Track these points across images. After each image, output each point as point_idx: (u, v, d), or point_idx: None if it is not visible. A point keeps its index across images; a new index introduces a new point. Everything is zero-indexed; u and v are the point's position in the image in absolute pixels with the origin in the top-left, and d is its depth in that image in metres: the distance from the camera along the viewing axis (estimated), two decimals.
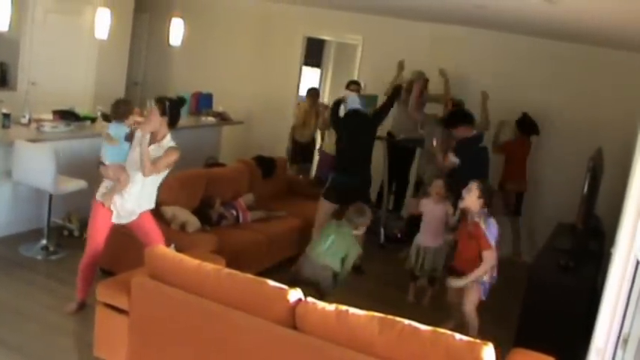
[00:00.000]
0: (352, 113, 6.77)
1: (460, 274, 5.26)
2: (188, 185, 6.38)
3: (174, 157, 5.01)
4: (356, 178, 6.74)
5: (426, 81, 8.13)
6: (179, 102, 5.46)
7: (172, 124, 5.09)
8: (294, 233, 6.84)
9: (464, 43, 8.60)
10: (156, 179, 5.11)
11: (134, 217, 5.14)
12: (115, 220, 5.13)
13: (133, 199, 5.07)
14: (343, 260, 5.39)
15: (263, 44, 10.11)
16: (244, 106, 9.83)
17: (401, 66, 8.13)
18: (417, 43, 8.86)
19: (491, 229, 5.14)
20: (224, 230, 6.25)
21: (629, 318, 3.63)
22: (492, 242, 5.11)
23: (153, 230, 5.23)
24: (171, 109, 5.05)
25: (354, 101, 6.79)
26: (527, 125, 7.78)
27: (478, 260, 5.13)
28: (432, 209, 6.21)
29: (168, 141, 5.05)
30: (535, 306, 5.36)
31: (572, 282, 5.30)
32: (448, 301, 5.63)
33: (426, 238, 6.25)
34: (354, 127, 6.78)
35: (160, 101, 5.04)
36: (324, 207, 6.75)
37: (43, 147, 6.16)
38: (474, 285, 5.20)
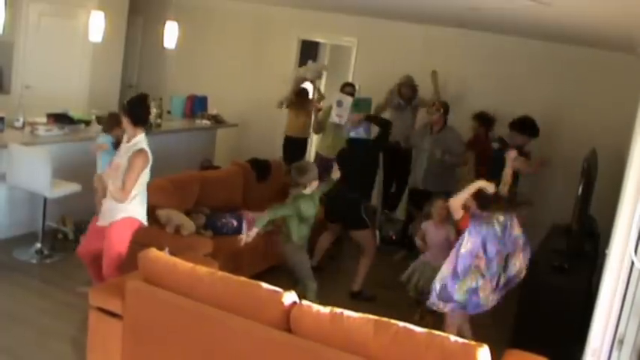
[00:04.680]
0: (360, 141, 6.54)
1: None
2: (182, 188, 6.37)
3: (139, 164, 4.82)
4: (348, 199, 6.48)
5: (413, 86, 8.16)
6: (139, 98, 5.21)
7: (136, 122, 4.92)
8: None
9: (458, 44, 8.61)
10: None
11: (108, 220, 4.95)
12: (99, 221, 5.05)
13: (112, 204, 4.94)
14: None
15: (258, 47, 10.11)
16: (239, 108, 9.83)
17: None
18: (411, 45, 8.87)
19: (472, 230, 4.80)
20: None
21: (625, 318, 3.63)
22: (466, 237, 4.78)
23: (106, 251, 4.93)
24: (131, 108, 4.96)
25: (362, 132, 6.52)
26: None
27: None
28: (432, 233, 5.89)
29: (136, 142, 4.91)
30: (531, 307, 5.37)
31: (567, 283, 5.30)
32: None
33: (429, 255, 5.91)
34: (358, 158, 6.55)
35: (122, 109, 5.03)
36: (331, 225, 6.90)
37: (37, 150, 6.14)
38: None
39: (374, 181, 6.94)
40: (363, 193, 6.62)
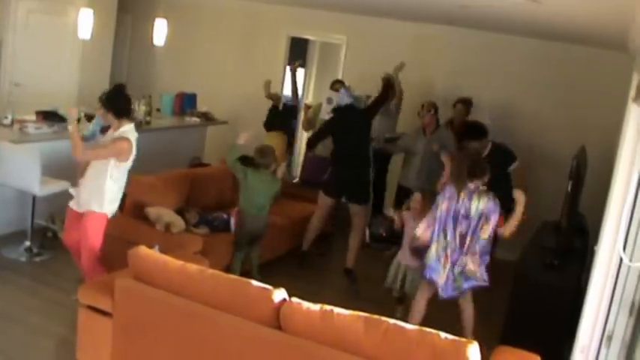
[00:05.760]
0: (344, 108, 6.73)
1: None
2: (172, 186, 6.35)
3: (117, 145, 4.89)
4: (353, 171, 6.73)
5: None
6: (116, 90, 5.18)
7: (120, 115, 4.98)
8: (279, 233, 6.82)
9: (447, 42, 8.62)
10: (104, 174, 4.98)
11: (85, 208, 5.04)
12: (73, 204, 5.15)
13: (87, 190, 5.02)
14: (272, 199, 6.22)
15: (247, 44, 10.09)
16: (228, 106, 9.81)
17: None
18: (400, 43, 8.87)
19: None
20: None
21: (613, 315, 3.66)
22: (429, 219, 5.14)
23: (85, 237, 5.03)
24: (111, 102, 4.97)
25: (344, 97, 6.71)
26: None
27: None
28: (410, 225, 5.74)
29: (123, 131, 4.96)
30: (520, 304, 5.38)
31: (556, 280, 5.32)
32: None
33: (406, 254, 5.82)
34: (347, 123, 6.76)
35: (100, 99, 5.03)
36: (324, 201, 6.90)
37: (26, 148, 6.12)
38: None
39: (370, 153, 7.00)
40: (366, 170, 6.85)
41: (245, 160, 7.43)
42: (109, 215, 5.10)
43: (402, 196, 7.61)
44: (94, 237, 5.02)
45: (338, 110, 6.79)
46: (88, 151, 4.96)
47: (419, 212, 5.70)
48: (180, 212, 6.11)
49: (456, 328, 3.91)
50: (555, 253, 5.60)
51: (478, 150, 6.39)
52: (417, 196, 5.85)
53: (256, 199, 6.07)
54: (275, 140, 8.30)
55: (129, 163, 5.05)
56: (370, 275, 6.88)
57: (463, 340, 3.21)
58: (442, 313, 5.31)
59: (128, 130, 4.98)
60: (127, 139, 4.93)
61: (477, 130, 6.66)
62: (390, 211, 6.15)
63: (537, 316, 5.18)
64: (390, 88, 7.30)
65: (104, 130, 5.43)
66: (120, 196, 5.18)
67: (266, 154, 6.11)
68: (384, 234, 8.13)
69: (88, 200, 5.01)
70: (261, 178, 6.05)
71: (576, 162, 5.58)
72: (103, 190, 4.97)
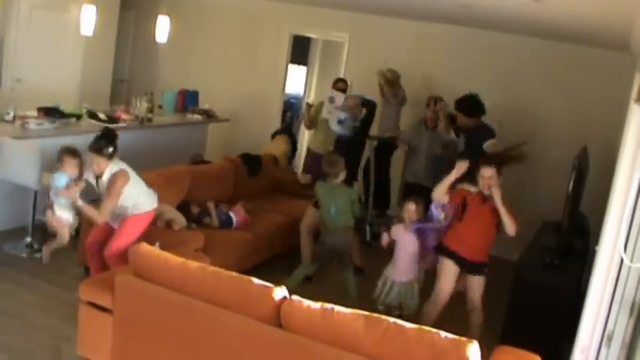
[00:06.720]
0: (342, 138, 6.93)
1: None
2: (173, 182, 6.34)
3: (118, 185, 4.93)
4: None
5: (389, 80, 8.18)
6: (110, 136, 5.12)
7: (110, 156, 4.97)
8: (280, 231, 6.82)
9: (450, 41, 8.62)
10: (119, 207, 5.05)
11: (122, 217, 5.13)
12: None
13: (118, 219, 5.12)
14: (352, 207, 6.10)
15: (249, 42, 10.09)
16: (230, 103, 9.81)
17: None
18: (402, 41, 8.87)
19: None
20: (211, 228, 6.23)
21: (614, 315, 3.65)
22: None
23: (116, 236, 5.11)
24: (106, 148, 4.93)
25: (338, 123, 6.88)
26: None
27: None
28: (402, 238, 5.52)
29: (111, 172, 4.98)
30: (521, 304, 5.37)
31: (557, 280, 5.31)
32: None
33: (395, 269, 5.55)
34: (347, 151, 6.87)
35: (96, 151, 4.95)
36: (313, 214, 6.72)
37: (27, 144, 6.12)
38: None
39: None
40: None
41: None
42: (151, 209, 5.24)
43: (411, 192, 7.57)
44: (130, 235, 5.07)
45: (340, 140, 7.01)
46: (105, 211, 4.95)
47: (414, 223, 5.47)
48: (181, 207, 6.12)
49: (456, 327, 3.90)
50: (556, 253, 5.60)
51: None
52: (410, 206, 5.52)
53: (329, 209, 6.05)
54: (280, 144, 8.34)
55: (131, 180, 5.07)
56: (371, 273, 6.87)
57: (463, 339, 3.20)
58: (443, 313, 5.31)
59: (114, 166, 5.01)
60: (120, 172, 4.98)
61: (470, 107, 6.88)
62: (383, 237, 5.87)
63: (537, 316, 5.18)
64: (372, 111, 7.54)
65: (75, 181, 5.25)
66: (149, 193, 5.26)
67: (334, 164, 6.03)
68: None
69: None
70: (331, 187, 6.05)
71: (578, 162, 5.57)
72: (132, 210, 5.10)
